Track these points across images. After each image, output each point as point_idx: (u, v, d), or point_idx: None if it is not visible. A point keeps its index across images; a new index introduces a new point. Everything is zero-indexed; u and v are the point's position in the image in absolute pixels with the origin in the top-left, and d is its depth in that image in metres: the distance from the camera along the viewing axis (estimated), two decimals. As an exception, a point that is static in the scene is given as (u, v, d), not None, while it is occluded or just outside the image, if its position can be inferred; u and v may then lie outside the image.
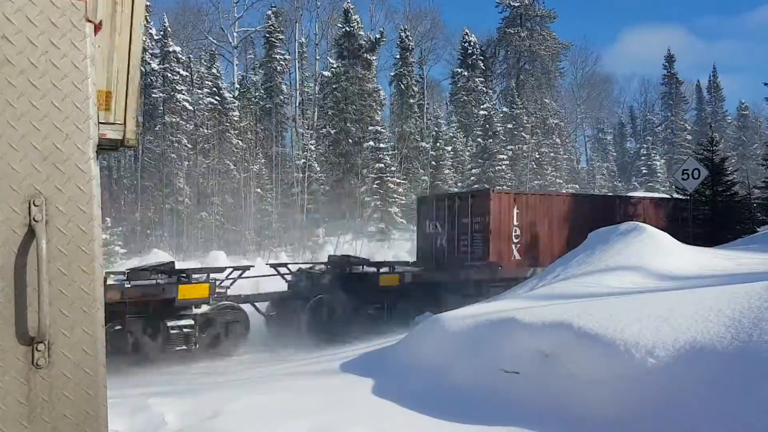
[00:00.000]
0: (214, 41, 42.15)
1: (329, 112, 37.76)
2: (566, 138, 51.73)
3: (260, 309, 10.88)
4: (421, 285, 12.37)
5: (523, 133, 43.69)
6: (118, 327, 8.87)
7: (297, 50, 41.55)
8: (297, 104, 40.84)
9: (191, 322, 9.54)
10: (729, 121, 55.93)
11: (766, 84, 41.44)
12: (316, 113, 39.57)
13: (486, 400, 4.73)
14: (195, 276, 9.89)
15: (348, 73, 37.36)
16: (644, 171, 49.86)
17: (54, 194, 2.09)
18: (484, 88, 46.71)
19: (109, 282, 9.13)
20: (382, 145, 36.13)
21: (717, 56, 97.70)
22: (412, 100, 41.90)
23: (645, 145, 52.66)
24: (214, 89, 35.15)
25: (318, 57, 43.12)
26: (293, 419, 4.51)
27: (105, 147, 3.48)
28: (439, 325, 6.27)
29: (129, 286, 9.14)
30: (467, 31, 48.22)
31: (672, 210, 16.91)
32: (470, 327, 5.81)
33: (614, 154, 55.28)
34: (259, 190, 33.75)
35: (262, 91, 39.08)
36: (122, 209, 31.29)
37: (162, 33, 34.44)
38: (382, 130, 37.70)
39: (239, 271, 10.76)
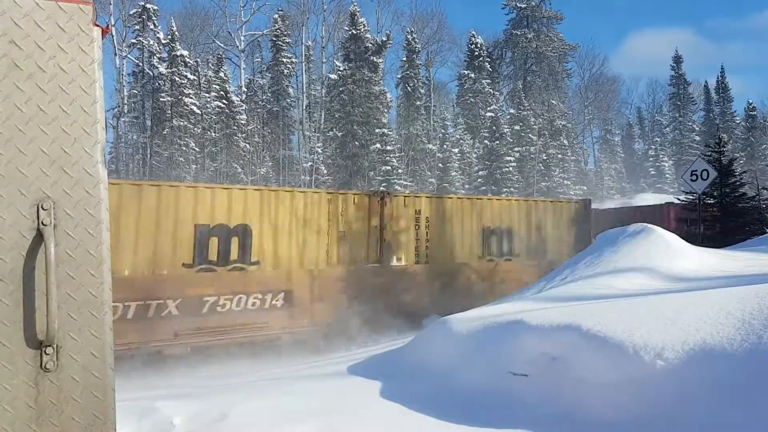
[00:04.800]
0: (222, 45, 42.33)
1: (336, 115, 37.83)
2: (574, 139, 51.61)
3: None
4: None
5: (530, 135, 43.64)
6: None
7: (304, 53, 41.66)
8: (304, 107, 40.94)
9: None
10: (737, 121, 55.64)
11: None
12: (322, 116, 39.65)
13: (494, 403, 4.71)
14: None
15: (354, 76, 37.42)
16: (652, 172, 49.73)
17: (62, 198, 2.10)
18: (491, 90, 46.71)
19: None
20: (389, 148, 36.16)
21: (725, 57, 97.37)
22: (418, 103, 41.94)
23: (653, 147, 52.51)
24: (222, 93, 35.31)
25: (324, 60, 43.28)
26: (301, 422, 4.51)
27: None
28: (447, 327, 6.25)
29: None
30: (474, 33, 48.26)
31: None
32: (478, 329, 5.79)
33: (622, 155, 55.10)
34: (266, 193, 33.76)
35: (269, 95, 39.22)
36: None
37: (170, 37, 34.60)
38: (389, 132, 37.73)
39: None
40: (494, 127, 41.76)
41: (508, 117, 45.03)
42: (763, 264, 7.84)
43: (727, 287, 5.35)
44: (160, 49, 34.63)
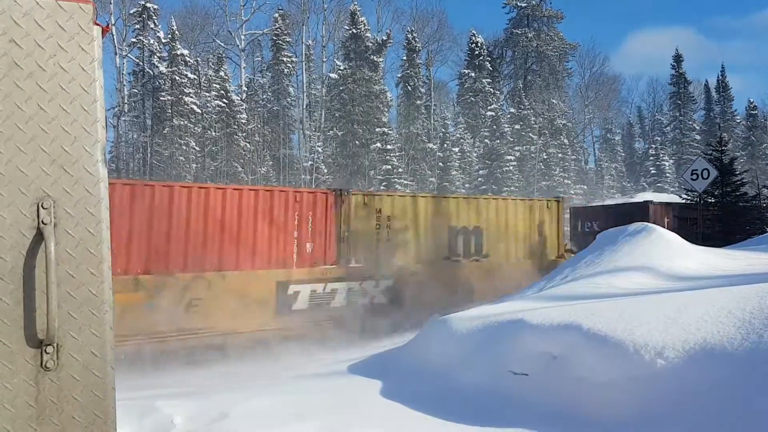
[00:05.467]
0: (222, 44, 42.31)
1: (336, 114, 37.83)
2: (574, 139, 51.59)
3: None
4: None
5: (530, 134, 43.64)
6: None
7: (304, 53, 41.65)
8: (304, 106, 40.93)
9: None
10: (738, 120, 55.57)
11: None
12: (323, 115, 39.65)
13: (495, 402, 4.71)
14: None
15: (355, 75, 37.42)
16: (653, 171, 49.67)
17: (62, 197, 2.10)
18: (492, 89, 46.67)
19: None
20: (389, 147, 36.15)
21: (725, 56, 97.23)
22: (419, 102, 41.94)
23: (653, 146, 52.47)
24: (222, 92, 35.31)
25: (325, 59, 43.25)
26: (301, 421, 4.51)
27: None
28: (447, 326, 6.25)
29: None
30: (474, 32, 48.23)
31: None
32: (478, 328, 5.80)
33: (623, 154, 55.07)
34: (266, 192, 33.78)
35: (270, 94, 39.22)
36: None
37: (170, 36, 34.61)
38: (389, 131, 37.73)
39: None
40: (494, 127, 41.76)
41: (509, 116, 45.02)
42: (763, 263, 7.85)
43: (727, 286, 5.35)
44: (160, 48, 34.64)
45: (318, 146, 37.01)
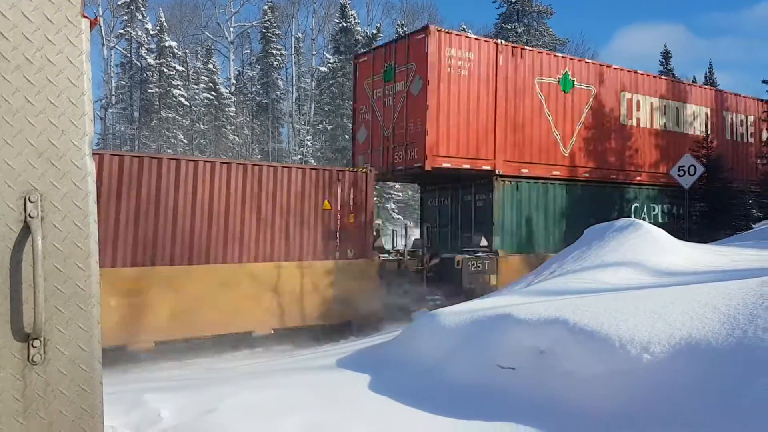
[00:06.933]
0: (211, 36, 42.07)
1: (326, 108, 37.71)
2: (563, 134, 51.74)
3: None
4: None
5: (519, 129, 43.72)
6: None
7: (293, 45, 41.50)
8: (293, 100, 40.81)
9: None
10: (725, 117, 55.93)
11: (764, 81, 40.90)
12: (312, 109, 39.54)
13: (483, 396, 4.74)
14: None
15: (345, 69, 37.30)
16: (640, 167, 49.95)
17: (50, 190, 2.09)
18: (481, 84, 46.66)
19: None
20: (378, 141, 36.09)
21: (714, 53, 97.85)
22: (408, 96, 41.87)
23: (641, 141, 52.73)
24: (210, 84, 35.14)
25: (314, 52, 43.14)
26: (290, 415, 4.51)
27: None
28: (436, 320, 6.27)
29: None
30: (464, 27, 48.22)
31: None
32: (466, 323, 5.82)
33: (610, 150, 55.30)
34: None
35: (259, 87, 39.07)
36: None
37: (158, 28, 34.36)
38: (379, 125, 37.65)
39: None
40: (484, 121, 41.84)
41: (498, 111, 45.09)
42: (748, 259, 7.92)
43: (713, 282, 5.40)
44: (148, 39, 34.40)
45: (307, 140, 36.91)
